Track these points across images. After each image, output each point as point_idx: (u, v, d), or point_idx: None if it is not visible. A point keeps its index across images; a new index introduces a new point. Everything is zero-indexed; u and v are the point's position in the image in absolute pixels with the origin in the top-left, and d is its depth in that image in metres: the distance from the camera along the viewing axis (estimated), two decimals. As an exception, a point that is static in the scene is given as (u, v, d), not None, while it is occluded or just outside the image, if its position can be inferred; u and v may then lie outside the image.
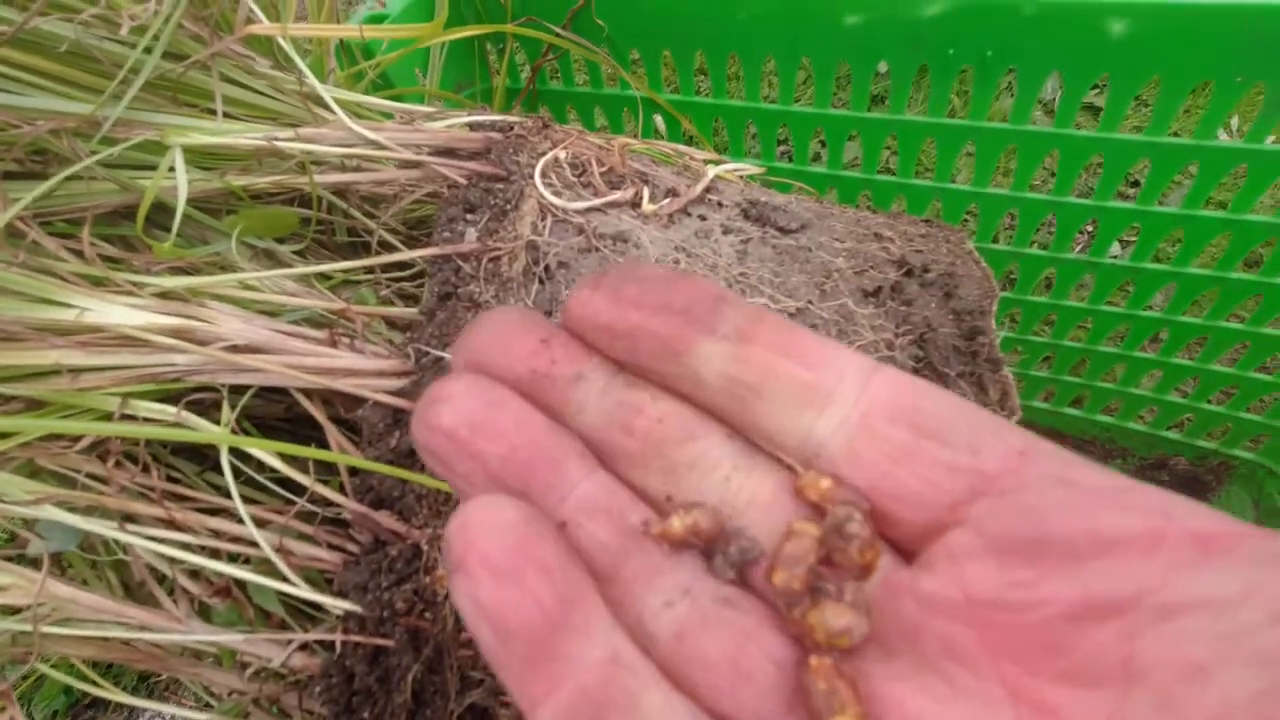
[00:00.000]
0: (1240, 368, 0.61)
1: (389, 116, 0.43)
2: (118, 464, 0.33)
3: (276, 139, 0.35)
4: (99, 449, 0.33)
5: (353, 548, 0.32)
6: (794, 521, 0.16)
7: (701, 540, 0.16)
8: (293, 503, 0.34)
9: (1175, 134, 0.47)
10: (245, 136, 0.34)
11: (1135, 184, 0.93)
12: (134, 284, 0.33)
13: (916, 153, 0.55)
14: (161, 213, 0.38)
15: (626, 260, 0.36)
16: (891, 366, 0.16)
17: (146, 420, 0.31)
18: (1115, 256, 0.57)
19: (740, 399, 0.16)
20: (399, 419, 0.32)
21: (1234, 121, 0.92)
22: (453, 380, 0.16)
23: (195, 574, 0.34)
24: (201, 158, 0.38)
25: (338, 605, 0.30)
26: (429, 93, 0.59)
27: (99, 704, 0.74)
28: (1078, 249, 0.60)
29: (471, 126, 0.41)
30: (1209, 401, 0.66)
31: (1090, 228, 0.60)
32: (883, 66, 0.50)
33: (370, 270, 0.43)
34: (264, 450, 0.31)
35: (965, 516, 0.15)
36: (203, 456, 0.40)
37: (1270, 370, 0.60)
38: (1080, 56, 0.45)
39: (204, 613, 0.34)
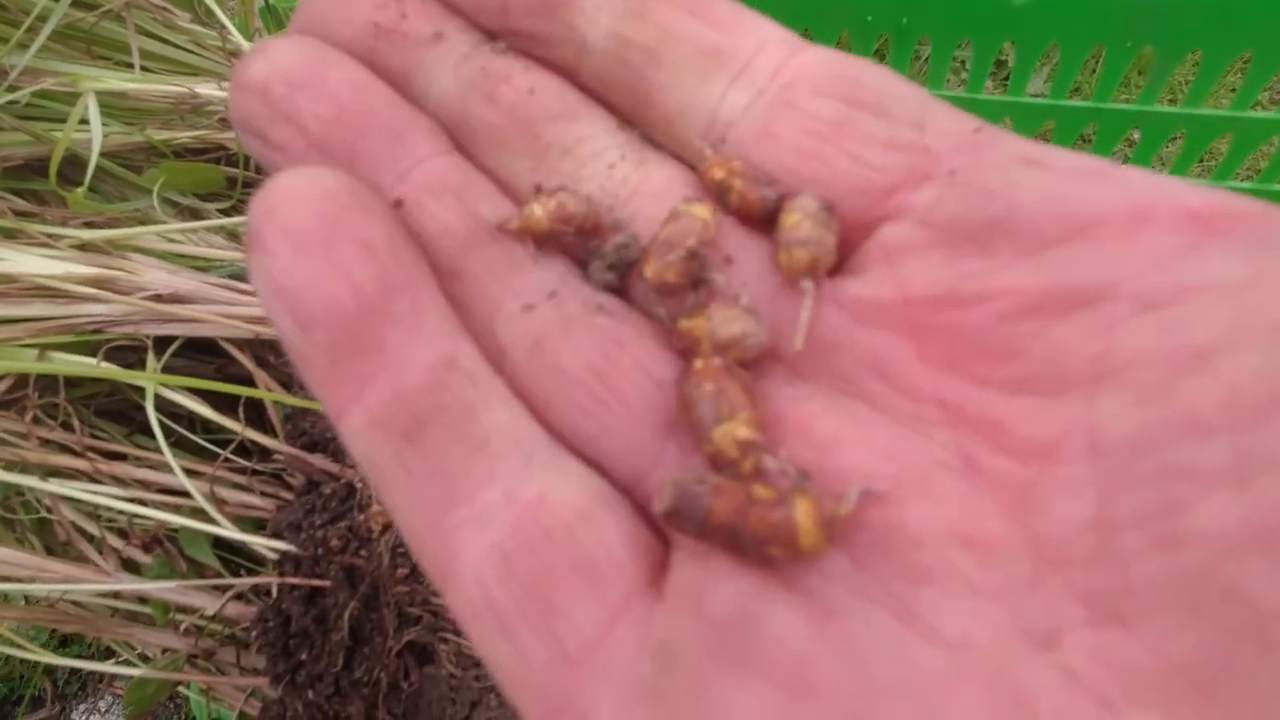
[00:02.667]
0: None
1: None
2: (35, 419, 0.32)
3: (196, 89, 0.34)
4: (17, 404, 0.33)
5: (287, 494, 0.32)
6: (680, 203, 0.13)
7: (572, 231, 0.13)
8: (226, 457, 0.33)
9: (1118, 103, 0.50)
10: (162, 83, 0.34)
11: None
12: (49, 236, 0.32)
13: None
14: (80, 169, 0.37)
15: None
16: (824, 47, 0.13)
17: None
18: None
19: (632, 67, 0.13)
20: (330, 363, 0.32)
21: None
22: (274, 38, 0.13)
23: (123, 533, 0.34)
24: (121, 113, 0.37)
25: (272, 546, 0.30)
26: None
27: (36, 701, 0.71)
28: None
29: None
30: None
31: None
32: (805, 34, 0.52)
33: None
34: (193, 389, 0.31)
35: (905, 205, 0.12)
36: (129, 419, 0.39)
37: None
38: (986, 23, 0.48)
39: (133, 569, 0.34)
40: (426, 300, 0.12)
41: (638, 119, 0.14)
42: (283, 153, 0.13)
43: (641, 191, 0.13)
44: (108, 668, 0.36)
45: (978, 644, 0.10)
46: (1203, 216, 0.10)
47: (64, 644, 0.69)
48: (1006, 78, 0.80)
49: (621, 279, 0.13)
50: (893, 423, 0.12)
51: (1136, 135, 0.51)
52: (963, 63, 0.71)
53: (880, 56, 0.55)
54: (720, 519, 0.11)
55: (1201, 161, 0.65)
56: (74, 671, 0.69)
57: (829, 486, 0.11)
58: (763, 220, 0.13)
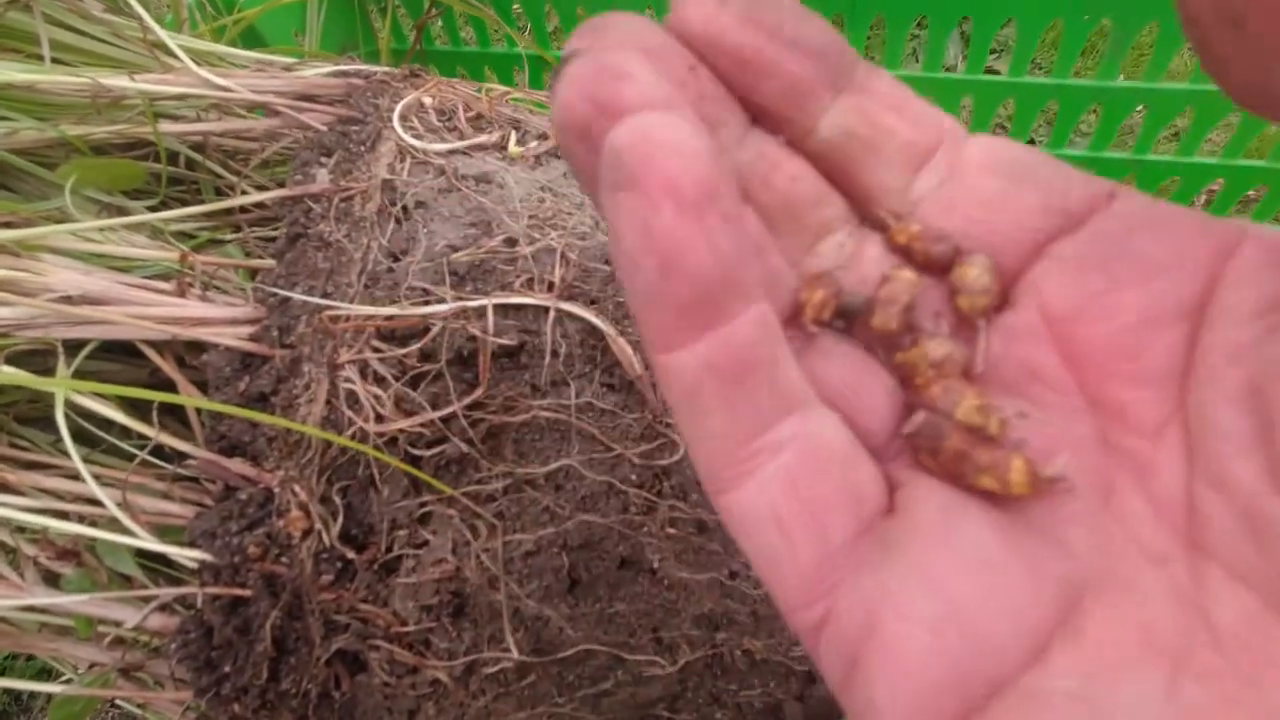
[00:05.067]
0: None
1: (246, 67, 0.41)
2: (-55, 429, 0.31)
3: (106, 82, 0.33)
4: (-77, 414, 0.31)
5: (208, 501, 0.31)
6: (890, 269, 0.16)
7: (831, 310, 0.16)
8: (146, 461, 0.32)
9: (1079, 77, 0.49)
10: (69, 74, 0.32)
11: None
12: (-47, 237, 0.31)
13: None
14: (-7, 168, 0.36)
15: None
16: (984, 135, 0.16)
17: (-28, 379, 0.29)
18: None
19: (850, 154, 0.16)
20: (248, 364, 0.30)
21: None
22: (630, 55, 0.13)
23: (40, 544, 0.33)
24: (32, 107, 0.36)
25: (187, 555, 0.29)
26: (309, 54, 0.57)
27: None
28: None
29: (334, 75, 0.40)
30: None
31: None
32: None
33: (238, 228, 0.42)
34: (106, 394, 0.29)
35: (1049, 252, 0.15)
36: (55, 425, 0.38)
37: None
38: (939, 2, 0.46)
39: (54, 582, 0.33)
40: (755, 269, 0.14)
41: (844, 186, 0.17)
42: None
43: (866, 263, 0.17)
44: (43, 686, 0.35)
45: (1111, 560, 0.14)
46: (1273, 249, 0.14)
47: (29, 660, 0.67)
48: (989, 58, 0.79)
49: (851, 326, 0.16)
50: (1050, 413, 0.15)
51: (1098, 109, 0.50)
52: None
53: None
54: (953, 444, 0.14)
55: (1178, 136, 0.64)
56: (10, 693, 0.68)
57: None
58: (941, 270, 0.16)
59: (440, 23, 0.60)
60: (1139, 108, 0.50)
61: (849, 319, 0.16)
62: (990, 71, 0.50)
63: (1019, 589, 0.13)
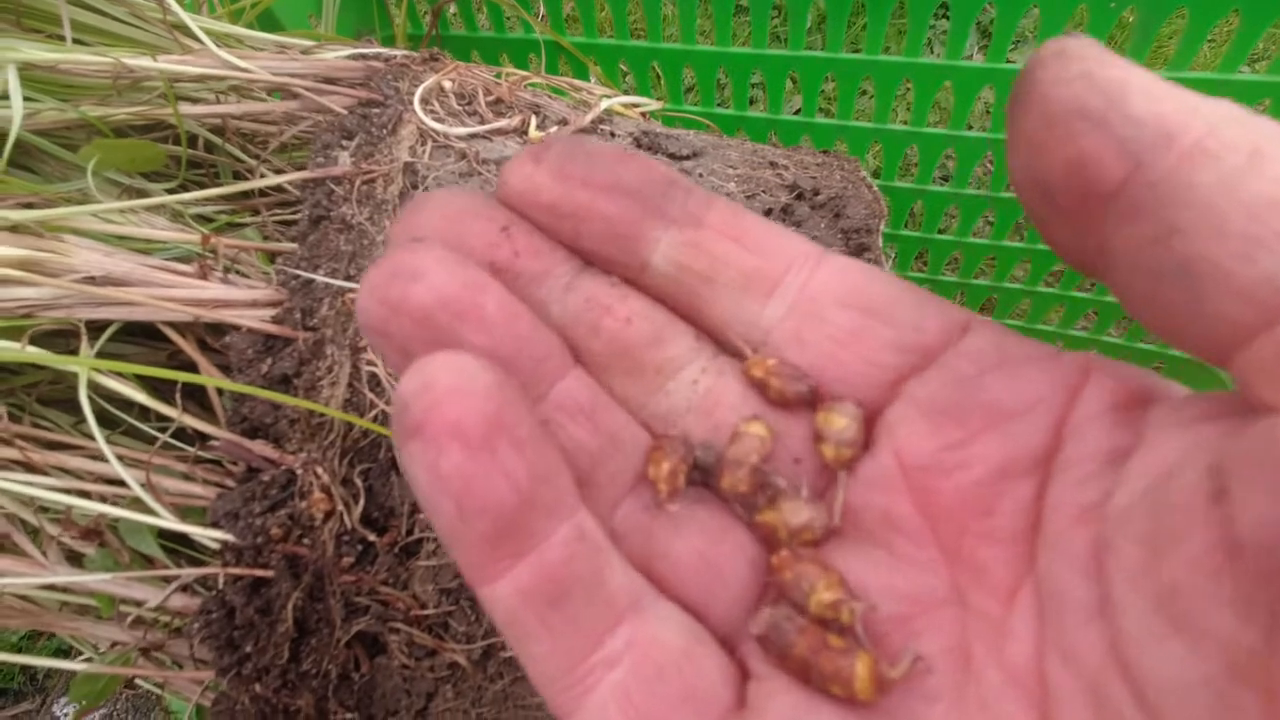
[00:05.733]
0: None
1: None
2: (-31, 408, 0.31)
3: (128, 61, 0.33)
4: (-52, 393, 0.31)
5: (230, 483, 0.31)
6: (740, 422, 0.16)
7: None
8: (168, 443, 0.32)
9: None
10: (91, 55, 0.32)
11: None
12: (-23, 217, 0.31)
13: (818, 90, 0.55)
14: (15, 150, 0.36)
15: (563, 135, 0.35)
16: (839, 254, 0.16)
17: (-4, 358, 0.30)
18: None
19: (688, 287, 0.16)
20: (270, 345, 0.30)
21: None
22: (420, 250, 0.13)
23: (63, 524, 0.33)
24: (54, 88, 0.36)
25: (210, 536, 0.29)
26: (325, 38, 0.56)
27: (8, 693, 0.70)
28: (974, 186, 0.62)
29: (353, 58, 0.40)
30: (1108, 334, 0.69)
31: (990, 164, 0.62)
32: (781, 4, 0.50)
33: (256, 211, 0.42)
34: (128, 375, 0.29)
35: (903, 392, 0.15)
36: (77, 407, 0.38)
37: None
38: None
39: (76, 562, 0.33)
40: (564, 484, 0.13)
41: (689, 319, 0.16)
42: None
43: (722, 403, 0.16)
44: (64, 664, 0.35)
45: None
46: (1115, 392, 0.13)
47: (32, 639, 0.68)
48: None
49: (709, 479, 0.16)
50: (907, 566, 0.14)
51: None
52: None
53: (855, 19, 0.53)
54: (799, 652, 0.14)
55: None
56: (26, 673, 0.68)
57: (880, 633, 0.14)
58: (799, 405, 0.16)
59: (455, 8, 0.59)
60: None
61: (706, 474, 0.16)
62: (1011, 64, 0.49)
63: None
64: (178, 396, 0.30)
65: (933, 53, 0.77)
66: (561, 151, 0.15)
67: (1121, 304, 0.12)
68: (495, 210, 0.15)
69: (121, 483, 0.30)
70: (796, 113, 0.57)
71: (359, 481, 0.29)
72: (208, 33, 0.37)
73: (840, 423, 0.15)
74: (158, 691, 0.38)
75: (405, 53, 0.41)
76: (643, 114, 0.48)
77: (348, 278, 0.30)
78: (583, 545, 0.13)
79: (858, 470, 0.15)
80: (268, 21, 0.52)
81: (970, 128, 0.54)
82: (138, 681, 0.40)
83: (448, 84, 0.39)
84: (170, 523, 0.29)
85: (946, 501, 0.14)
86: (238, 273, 0.35)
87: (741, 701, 0.14)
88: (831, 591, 0.14)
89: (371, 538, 0.29)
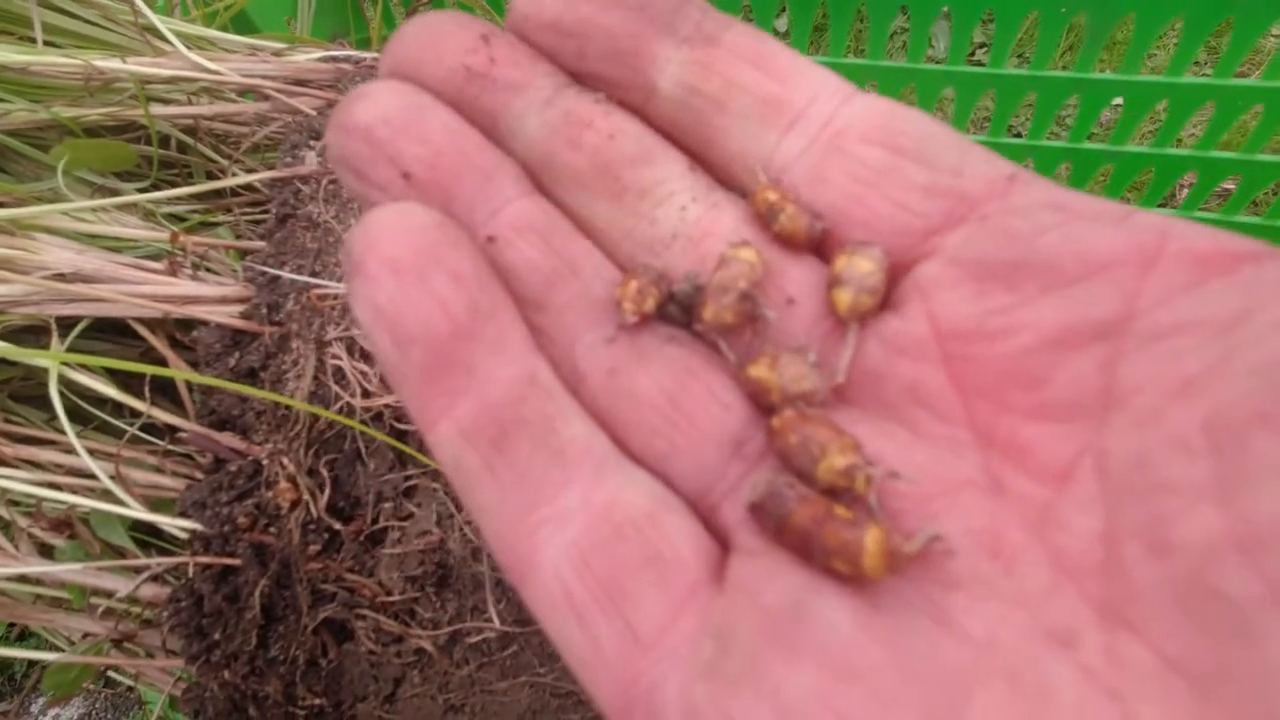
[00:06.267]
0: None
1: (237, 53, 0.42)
2: (-59, 403, 0.32)
3: (98, 63, 0.33)
4: (-81, 389, 0.32)
5: (199, 475, 0.32)
6: (727, 248, 0.14)
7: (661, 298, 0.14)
8: (140, 437, 0.33)
9: (1063, 69, 0.50)
10: (62, 56, 0.33)
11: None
12: (-52, 215, 0.32)
13: None
14: (-13, 149, 0.36)
15: None
16: (873, 94, 0.14)
17: (-33, 354, 0.30)
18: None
19: (698, 113, 0.14)
20: (238, 340, 0.31)
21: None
22: (376, 82, 0.14)
23: (34, 516, 0.33)
24: (27, 90, 0.36)
25: (178, 525, 0.29)
26: (300, 40, 0.57)
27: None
28: None
29: (324, 60, 0.41)
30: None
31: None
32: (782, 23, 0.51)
33: (229, 210, 0.42)
34: (98, 369, 0.30)
35: (939, 246, 0.13)
36: (49, 402, 0.39)
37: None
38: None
39: (48, 554, 0.33)
40: (509, 324, 0.13)
41: (701, 160, 0.15)
42: (383, 191, 0.14)
43: (712, 233, 0.14)
44: (36, 654, 0.36)
45: (1002, 642, 0.11)
46: (1206, 257, 0.11)
47: (21, 638, 0.68)
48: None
49: (690, 317, 0.14)
50: (930, 445, 0.13)
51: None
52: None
53: (819, 31, 0.54)
54: (799, 521, 0.12)
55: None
56: (4, 673, 0.68)
57: (895, 509, 0.12)
58: (806, 247, 0.14)
59: (431, 10, 0.60)
60: (1116, 100, 0.51)
61: (686, 311, 0.14)
62: (976, 64, 0.51)
63: (891, 699, 0.11)
64: (147, 390, 0.31)
65: (892, 58, 0.79)
66: None
67: None
68: (476, 22, 0.14)
69: (92, 475, 0.31)
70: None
71: (325, 471, 0.30)
72: (178, 35, 0.38)
73: (865, 266, 0.13)
74: (136, 686, 0.38)
75: (375, 55, 0.42)
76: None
77: (313, 274, 0.31)
78: (533, 389, 0.13)
79: (882, 331, 0.13)
80: (244, 24, 0.53)
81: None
82: (115, 678, 0.41)
83: (416, 86, 0.40)
84: (140, 513, 0.30)
85: (987, 372, 0.12)
86: (208, 270, 0.35)
87: (717, 575, 0.12)
88: (845, 456, 0.12)
89: (337, 526, 0.30)
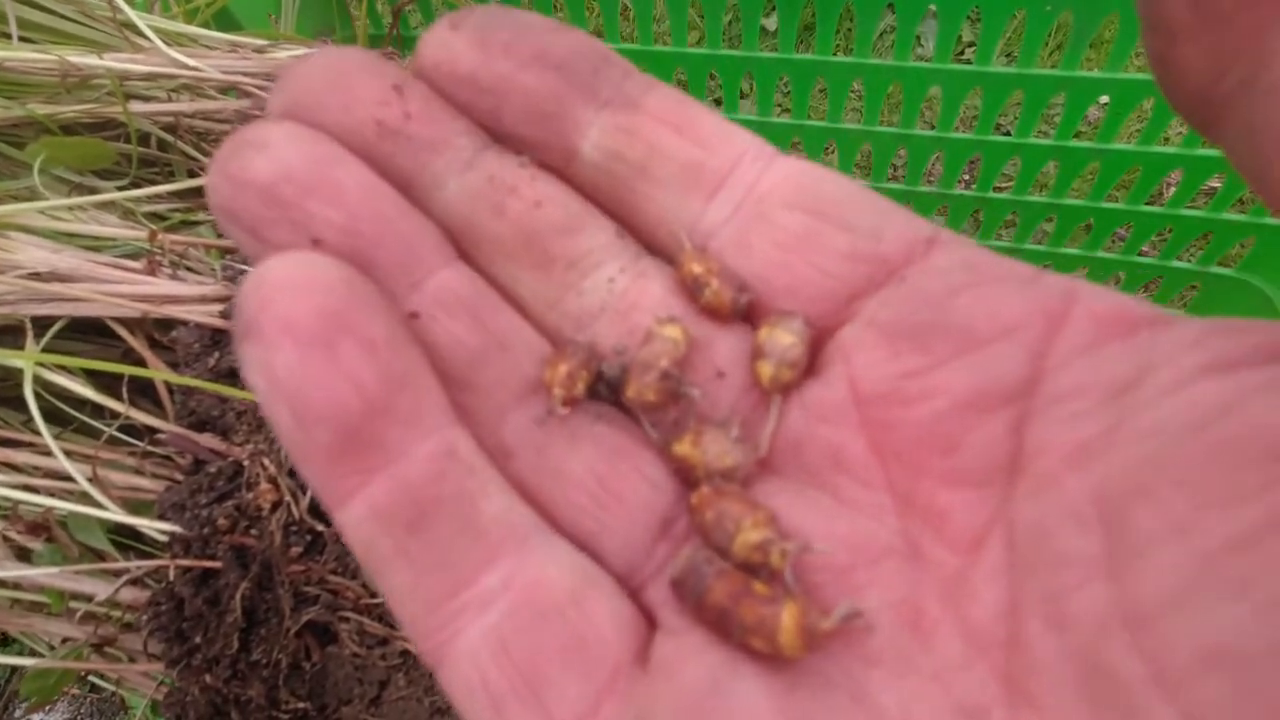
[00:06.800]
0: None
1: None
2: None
3: (75, 60, 0.33)
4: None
5: (179, 477, 0.31)
6: (653, 324, 0.14)
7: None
8: (119, 439, 0.32)
9: (1050, 68, 0.50)
10: (38, 53, 0.32)
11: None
12: (-79, 214, 0.31)
13: (808, 93, 0.56)
14: (-39, 147, 0.36)
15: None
16: (795, 156, 0.14)
17: (-60, 355, 0.30)
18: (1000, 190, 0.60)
19: (622, 179, 0.14)
20: (217, 340, 0.31)
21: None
22: (269, 125, 0.12)
23: (10, 519, 0.33)
24: (3, 86, 0.36)
25: (157, 528, 0.29)
26: (284, 38, 0.57)
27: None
28: (961, 186, 0.63)
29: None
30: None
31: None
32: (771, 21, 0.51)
33: (209, 209, 0.42)
34: (75, 370, 0.30)
35: (859, 310, 0.13)
36: (24, 403, 0.38)
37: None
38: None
39: (25, 558, 0.33)
40: (426, 393, 0.12)
41: (626, 224, 0.14)
42: (283, 255, 0.12)
43: (640, 305, 0.14)
44: (14, 660, 0.35)
45: (908, 707, 0.11)
46: (1107, 320, 0.11)
47: (4, 643, 0.67)
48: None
49: (618, 394, 0.14)
50: (851, 511, 0.13)
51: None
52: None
53: (808, 30, 0.54)
54: (716, 598, 0.12)
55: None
56: (12, 669, 0.68)
57: (814, 583, 0.12)
58: (733, 318, 0.14)
59: (417, 9, 0.60)
60: (1102, 98, 0.51)
61: (613, 389, 0.14)
62: (964, 63, 0.51)
63: None
64: (125, 391, 0.30)
65: (880, 55, 0.79)
66: (484, 16, 0.13)
67: (1241, 160, 0.10)
68: (388, 68, 0.13)
69: (70, 478, 0.31)
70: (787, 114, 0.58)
71: (306, 472, 0.30)
72: (157, 31, 0.38)
73: (786, 339, 0.13)
74: (120, 692, 0.38)
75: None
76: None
77: (294, 272, 0.31)
78: (452, 464, 0.12)
79: (804, 398, 0.13)
80: (227, 21, 0.52)
81: (929, 129, 0.56)
82: (99, 682, 0.40)
83: (400, 83, 0.40)
84: (118, 516, 0.29)
85: (904, 436, 0.12)
86: (187, 269, 0.35)
87: (642, 655, 0.12)
88: (759, 531, 0.12)
89: (320, 528, 0.30)
